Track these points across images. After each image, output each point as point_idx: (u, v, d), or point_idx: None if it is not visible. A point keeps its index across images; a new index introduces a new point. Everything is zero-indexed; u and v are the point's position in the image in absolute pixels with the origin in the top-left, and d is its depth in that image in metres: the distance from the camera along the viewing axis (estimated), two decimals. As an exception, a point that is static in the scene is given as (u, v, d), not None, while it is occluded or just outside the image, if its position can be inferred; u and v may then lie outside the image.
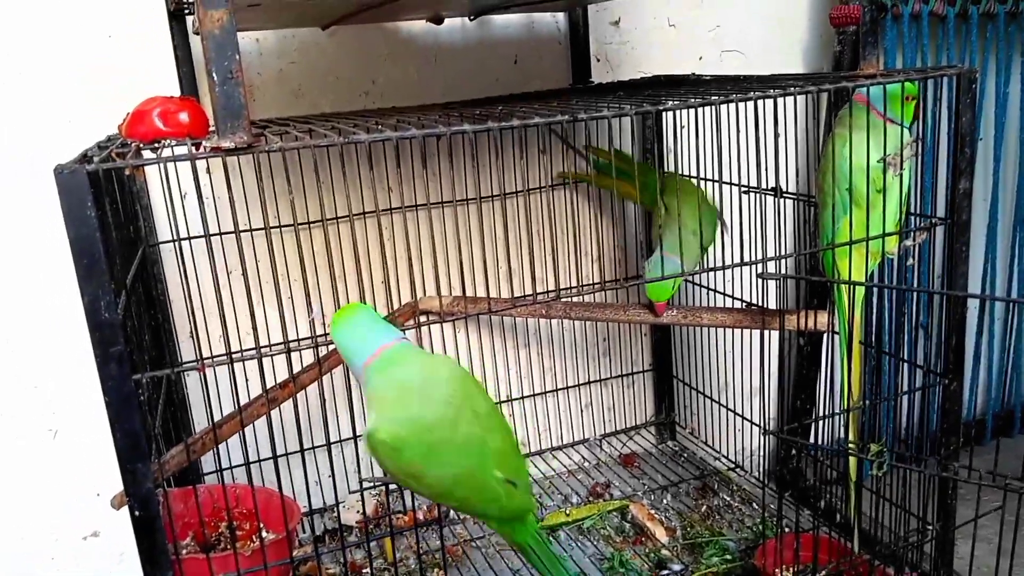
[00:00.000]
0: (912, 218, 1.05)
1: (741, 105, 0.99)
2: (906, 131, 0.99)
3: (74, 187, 0.65)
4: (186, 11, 1.22)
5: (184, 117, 0.88)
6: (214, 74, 0.68)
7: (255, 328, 0.82)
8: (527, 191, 1.20)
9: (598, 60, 1.57)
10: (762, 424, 1.55)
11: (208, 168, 1.29)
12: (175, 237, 0.93)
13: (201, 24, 0.68)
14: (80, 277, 0.68)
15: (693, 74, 1.48)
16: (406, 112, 1.25)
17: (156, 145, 0.87)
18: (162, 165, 0.73)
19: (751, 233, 1.18)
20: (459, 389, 0.82)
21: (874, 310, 1.19)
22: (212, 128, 0.83)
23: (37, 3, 1.22)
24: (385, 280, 1.40)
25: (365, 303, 0.89)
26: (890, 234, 0.99)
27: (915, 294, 1.48)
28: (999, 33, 1.73)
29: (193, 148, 0.80)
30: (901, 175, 0.97)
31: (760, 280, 1.05)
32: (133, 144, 0.80)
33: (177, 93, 1.26)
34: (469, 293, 1.48)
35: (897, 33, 1.64)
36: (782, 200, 1.16)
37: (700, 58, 1.63)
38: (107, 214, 0.72)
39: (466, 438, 0.81)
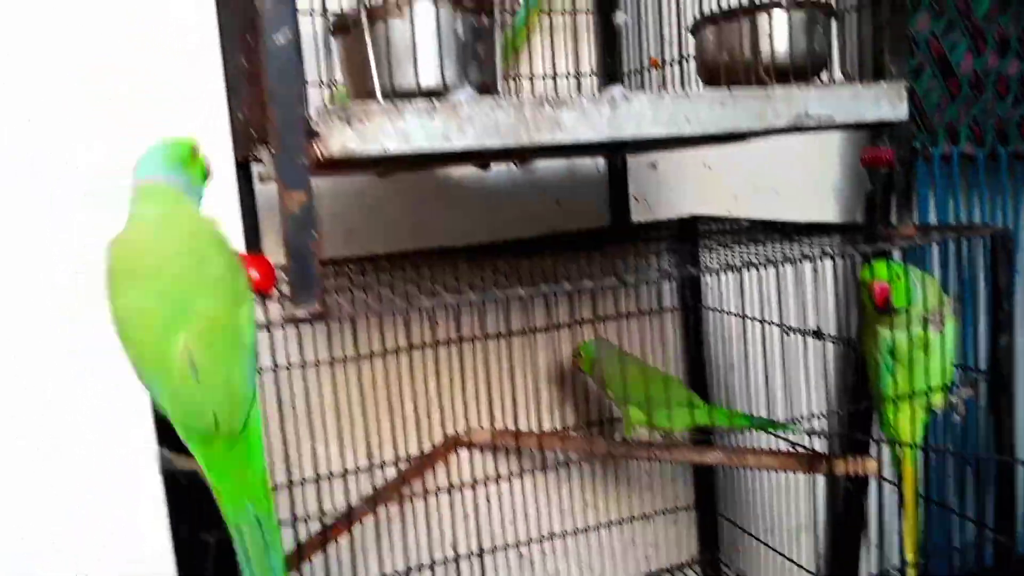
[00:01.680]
0: (960, 372, 1.07)
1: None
2: (932, 286, 1.02)
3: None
4: (251, 160, 1.30)
5: (254, 274, 0.94)
6: (291, 249, 0.74)
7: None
8: (571, 323, 1.23)
9: (636, 200, 1.63)
10: (812, 567, 1.52)
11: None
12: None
13: (281, 202, 0.74)
14: (159, 434, 0.71)
15: (729, 216, 1.52)
16: (455, 256, 1.30)
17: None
18: (236, 329, 0.77)
19: (790, 376, 1.20)
20: (178, 275, 0.70)
21: (922, 465, 1.18)
22: (279, 280, 0.88)
23: (104, 144, 1.30)
24: (439, 410, 1.44)
25: (192, 142, 0.80)
26: (935, 390, 1.00)
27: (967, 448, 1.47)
28: (1029, 173, 1.77)
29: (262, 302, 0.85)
30: (943, 332, 0.99)
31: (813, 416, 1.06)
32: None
33: (241, 236, 1.33)
34: (511, 423, 1.50)
35: (928, 174, 1.68)
36: (824, 343, 1.18)
37: (735, 197, 1.69)
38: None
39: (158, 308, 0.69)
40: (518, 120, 0.77)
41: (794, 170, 1.71)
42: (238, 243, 1.34)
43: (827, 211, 1.75)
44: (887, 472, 1.17)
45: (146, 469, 1.24)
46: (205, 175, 0.83)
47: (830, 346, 1.59)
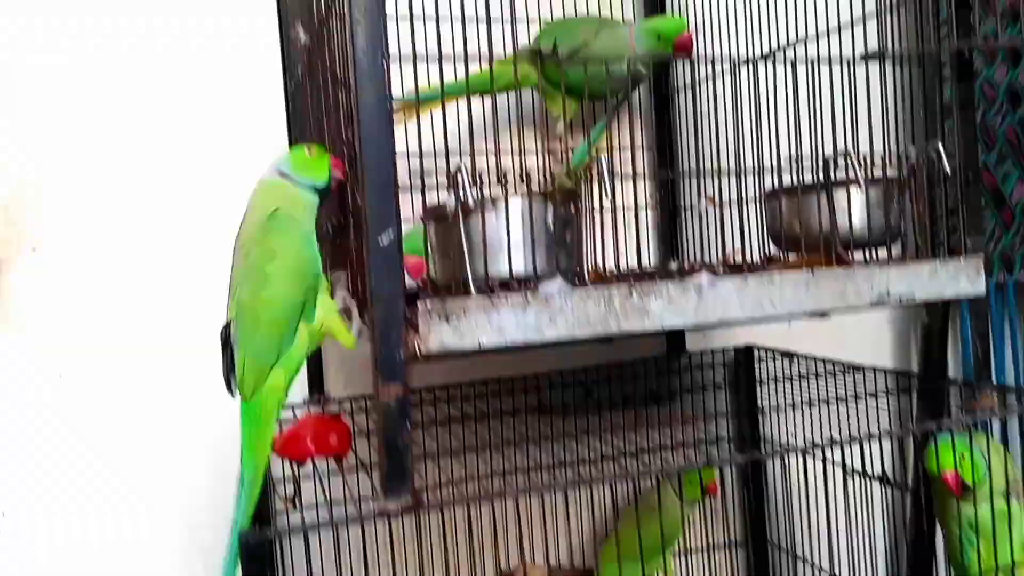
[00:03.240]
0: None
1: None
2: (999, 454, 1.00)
3: (257, 554, 0.70)
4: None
5: (333, 439, 0.96)
6: (385, 441, 0.74)
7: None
8: (628, 453, 1.21)
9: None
10: None
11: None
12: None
13: (376, 395, 0.75)
14: None
15: (784, 350, 1.51)
16: (515, 391, 1.31)
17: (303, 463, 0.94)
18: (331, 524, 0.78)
19: (857, 523, 1.16)
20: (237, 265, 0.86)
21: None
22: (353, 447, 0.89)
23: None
24: (494, 545, 1.42)
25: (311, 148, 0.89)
26: (1019, 562, 0.98)
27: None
28: (1085, 299, 1.76)
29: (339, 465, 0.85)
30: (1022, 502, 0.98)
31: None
32: (296, 485, 0.87)
33: (305, 372, 1.35)
34: (565, 558, 1.48)
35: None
36: (889, 488, 1.16)
37: (789, 323, 1.69)
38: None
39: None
40: (607, 311, 0.79)
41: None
42: (302, 380, 1.36)
43: (882, 338, 1.74)
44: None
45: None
46: (325, 174, 0.88)
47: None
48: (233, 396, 0.86)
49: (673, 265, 1.46)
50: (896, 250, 1.01)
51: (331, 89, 0.89)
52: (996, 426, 1.59)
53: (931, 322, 1.63)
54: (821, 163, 0.91)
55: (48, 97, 1.28)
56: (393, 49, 0.74)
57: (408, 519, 1.00)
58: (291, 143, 1.27)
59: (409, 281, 0.79)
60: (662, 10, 1.53)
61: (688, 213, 1.54)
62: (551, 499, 1.47)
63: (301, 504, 0.85)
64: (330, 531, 0.76)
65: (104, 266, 1.30)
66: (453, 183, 0.77)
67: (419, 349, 0.73)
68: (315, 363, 1.36)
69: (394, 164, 0.74)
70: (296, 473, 0.92)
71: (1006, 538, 0.97)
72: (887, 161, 0.95)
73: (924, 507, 1.51)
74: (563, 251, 0.82)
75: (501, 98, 1.41)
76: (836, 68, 1.00)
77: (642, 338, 1.59)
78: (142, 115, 1.32)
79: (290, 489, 0.85)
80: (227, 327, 0.85)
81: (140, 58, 1.32)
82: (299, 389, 1.36)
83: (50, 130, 1.28)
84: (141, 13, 1.32)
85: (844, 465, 1.25)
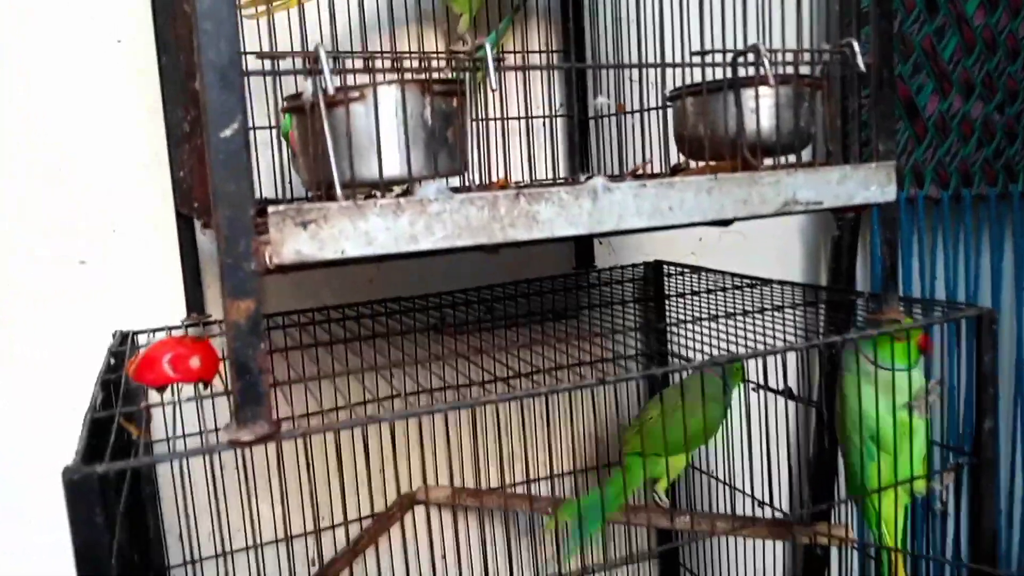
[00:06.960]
0: (939, 449, 1.04)
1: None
2: (916, 374, 0.98)
3: (83, 493, 0.62)
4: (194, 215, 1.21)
5: (195, 362, 0.86)
6: (236, 364, 0.66)
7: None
8: (532, 372, 1.17)
9: (600, 243, 1.57)
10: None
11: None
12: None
13: (226, 312, 0.66)
14: (83, 584, 0.63)
15: (694, 265, 1.48)
16: (411, 314, 1.23)
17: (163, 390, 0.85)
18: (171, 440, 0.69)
19: (760, 438, 1.15)
20: None
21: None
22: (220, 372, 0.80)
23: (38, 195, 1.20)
24: (382, 469, 1.37)
25: None
26: (918, 478, 0.97)
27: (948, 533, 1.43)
28: (991, 214, 1.77)
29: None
30: (927, 417, 0.96)
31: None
32: (143, 410, 0.77)
33: (182, 290, 1.24)
34: (459, 481, 1.44)
35: (894, 218, 1.66)
36: (794, 402, 1.14)
37: (700, 239, 1.64)
38: (117, 516, 0.67)
39: None
40: (492, 217, 0.71)
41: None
42: (179, 298, 1.25)
43: (792, 254, 1.72)
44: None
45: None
46: None
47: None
48: None
49: (582, 177, 1.39)
50: (806, 155, 0.96)
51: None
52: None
53: (841, 235, 1.61)
54: (728, 59, 0.84)
55: None
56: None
57: (273, 448, 0.93)
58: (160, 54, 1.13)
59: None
60: None
61: (600, 123, 1.46)
62: (455, 420, 1.43)
63: (150, 433, 0.76)
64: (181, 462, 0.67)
65: None
66: (312, 67, 0.66)
67: (270, 260, 0.64)
68: (193, 280, 1.25)
69: (238, 43, 0.63)
70: (151, 399, 0.82)
71: (907, 451, 0.95)
72: (799, 58, 0.88)
73: (828, 422, 1.52)
74: (444, 150, 0.73)
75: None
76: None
77: (550, 254, 1.53)
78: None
79: (140, 416, 0.76)
80: None
81: None
82: (175, 310, 1.26)
83: None
84: None
85: (748, 379, 1.23)
